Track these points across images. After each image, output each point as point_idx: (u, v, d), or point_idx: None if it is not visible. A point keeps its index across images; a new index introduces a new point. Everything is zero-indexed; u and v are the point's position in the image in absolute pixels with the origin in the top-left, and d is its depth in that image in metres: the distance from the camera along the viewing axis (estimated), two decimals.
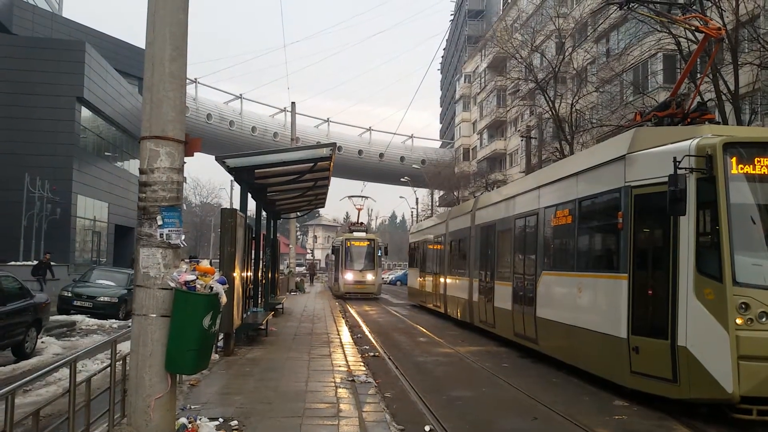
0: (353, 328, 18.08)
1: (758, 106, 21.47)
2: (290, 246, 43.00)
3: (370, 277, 33.22)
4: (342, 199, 42.65)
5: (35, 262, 25.14)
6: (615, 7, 16.85)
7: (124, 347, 7.11)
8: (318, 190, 18.44)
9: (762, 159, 8.14)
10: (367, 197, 42.63)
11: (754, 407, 7.56)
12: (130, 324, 5.52)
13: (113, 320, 18.07)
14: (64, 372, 6.32)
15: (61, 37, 36.90)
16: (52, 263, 24.59)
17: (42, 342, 13.51)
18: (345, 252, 33.36)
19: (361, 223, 38.41)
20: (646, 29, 23.07)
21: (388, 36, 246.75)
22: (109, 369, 6.29)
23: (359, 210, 40.33)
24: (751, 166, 8.14)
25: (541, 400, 9.04)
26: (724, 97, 18.80)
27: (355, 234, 35.16)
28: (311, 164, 13.90)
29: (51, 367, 5.48)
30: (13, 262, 25.16)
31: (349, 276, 32.92)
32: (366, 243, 33.95)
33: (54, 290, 20.83)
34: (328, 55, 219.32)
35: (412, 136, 77.46)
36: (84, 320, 17.78)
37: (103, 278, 20.43)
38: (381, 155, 71.22)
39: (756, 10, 20.67)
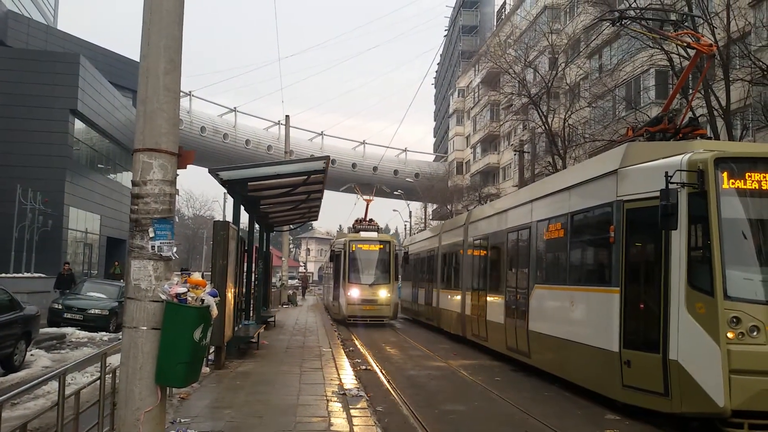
0: (345, 342, 18.00)
1: (749, 121, 21.65)
2: (283, 259, 42.66)
3: (383, 294, 24.24)
4: (344, 188, 37.22)
5: (28, 275, 24.95)
6: (608, 24, 16.99)
7: (114, 360, 7.06)
8: (311, 203, 18.45)
9: (753, 174, 8.22)
10: (375, 186, 33.86)
11: (745, 421, 7.58)
12: (120, 337, 5.48)
13: (104, 333, 17.93)
14: (53, 385, 6.26)
15: (56, 50, 36.93)
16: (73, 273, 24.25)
17: (31, 355, 13.38)
18: (349, 259, 24.57)
19: (371, 220, 27.89)
20: (638, 45, 23.29)
21: (383, 51, 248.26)
22: (98, 382, 6.25)
23: (368, 203, 30.00)
24: (742, 181, 8.21)
25: (533, 414, 9.03)
26: (715, 113, 18.96)
27: (364, 235, 25.87)
28: (305, 177, 13.91)
29: (40, 379, 5.44)
30: (4, 274, 24.98)
31: (354, 292, 24.06)
32: (379, 247, 24.96)
33: None
34: (323, 69, 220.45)
35: (405, 150, 77.68)
36: (74, 333, 17.61)
37: (94, 290, 20.25)
38: (375, 168, 71.15)
39: (747, 27, 20.87)
